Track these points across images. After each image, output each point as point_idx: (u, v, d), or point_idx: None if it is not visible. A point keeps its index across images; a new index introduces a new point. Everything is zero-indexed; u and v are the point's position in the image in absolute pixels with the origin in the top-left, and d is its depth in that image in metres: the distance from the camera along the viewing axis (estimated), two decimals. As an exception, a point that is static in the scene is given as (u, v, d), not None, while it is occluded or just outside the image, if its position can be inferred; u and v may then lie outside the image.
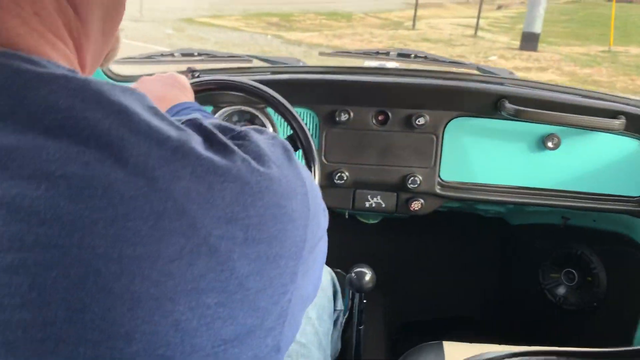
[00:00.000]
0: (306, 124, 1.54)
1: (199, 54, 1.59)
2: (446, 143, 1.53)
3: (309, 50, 11.79)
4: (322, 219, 0.53)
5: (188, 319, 0.39)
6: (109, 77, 1.57)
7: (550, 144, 1.50)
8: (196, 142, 0.42)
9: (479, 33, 13.67)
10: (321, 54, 1.66)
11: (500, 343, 1.18)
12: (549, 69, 9.81)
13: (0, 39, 0.42)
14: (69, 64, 0.47)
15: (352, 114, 1.51)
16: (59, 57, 0.46)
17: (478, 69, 1.62)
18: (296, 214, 0.46)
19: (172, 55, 1.59)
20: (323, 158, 1.56)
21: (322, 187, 1.58)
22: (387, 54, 1.63)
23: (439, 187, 1.56)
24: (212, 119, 0.83)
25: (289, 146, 0.51)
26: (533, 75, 9.34)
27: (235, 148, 0.45)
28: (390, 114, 1.51)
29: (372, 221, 1.97)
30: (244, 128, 0.50)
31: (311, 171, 1.20)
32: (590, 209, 1.56)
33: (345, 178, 1.55)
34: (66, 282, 0.36)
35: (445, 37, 13.56)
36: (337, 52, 1.65)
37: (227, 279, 0.40)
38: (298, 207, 0.47)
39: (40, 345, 0.36)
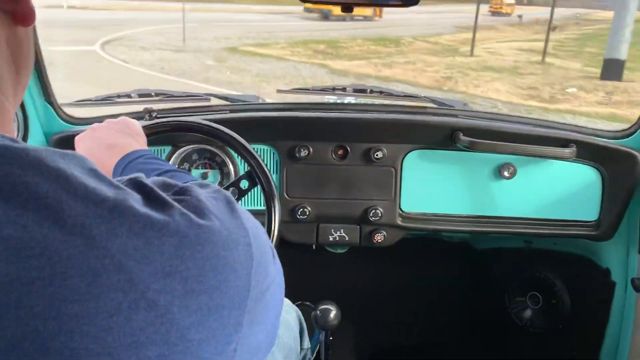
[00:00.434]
0: (266, 161, 1.54)
1: (156, 94, 1.58)
2: (405, 175, 1.55)
3: (356, 82, 10.87)
4: (271, 268, 0.54)
5: None
6: (65, 120, 1.55)
7: (506, 173, 1.53)
8: (134, 200, 0.43)
9: (546, 59, 12.60)
10: (279, 91, 1.68)
11: None
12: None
13: None
14: (6, 119, 0.49)
15: (312, 149, 1.52)
16: (2, 120, 0.48)
17: (433, 101, 1.65)
18: (238, 264, 0.47)
19: (128, 96, 1.58)
20: (285, 194, 1.56)
21: (285, 222, 1.58)
22: (344, 89, 1.65)
23: (400, 218, 1.57)
24: (156, 176, 0.83)
25: (232, 198, 0.52)
26: (627, 113, 7.89)
27: (175, 203, 0.46)
28: (349, 149, 1.53)
29: (340, 251, 1.97)
30: (186, 184, 0.51)
31: (272, 208, 1.20)
32: (550, 235, 1.59)
33: (307, 213, 1.55)
34: (3, 343, 0.36)
35: (509, 65, 12.57)
36: (295, 89, 1.67)
37: (168, 331, 0.41)
38: (240, 257, 0.47)
39: None
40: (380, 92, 1.64)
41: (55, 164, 0.42)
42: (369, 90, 1.64)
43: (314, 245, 1.78)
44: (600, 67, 10.46)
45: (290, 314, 1.38)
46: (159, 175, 0.85)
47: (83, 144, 1.01)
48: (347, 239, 1.60)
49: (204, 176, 1.59)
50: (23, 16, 0.49)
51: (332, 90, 1.66)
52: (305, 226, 1.59)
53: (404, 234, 1.61)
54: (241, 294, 0.47)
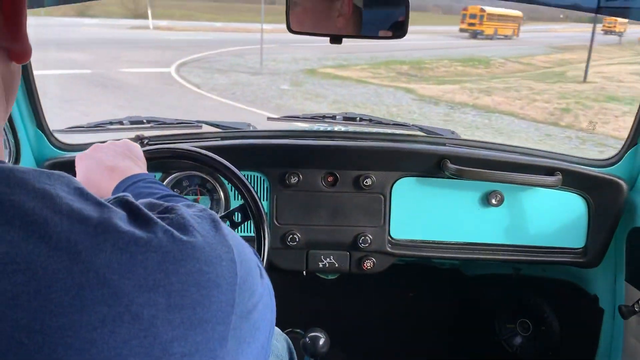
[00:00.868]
0: (256, 187, 1.55)
1: (148, 121, 1.59)
2: (394, 202, 1.56)
3: (451, 113, 9.19)
4: (258, 286, 0.55)
5: None
6: (56, 146, 1.56)
7: (493, 201, 1.55)
8: (118, 218, 0.45)
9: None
10: (269, 119, 1.70)
11: None
12: None
13: None
14: None
15: (301, 176, 1.53)
16: None
17: (421, 129, 1.68)
18: (221, 279, 0.48)
19: (120, 123, 1.60)
20: (275, 220, 1.56)
21: (275, 249, 1.58)
22: (334, 117, 1.67)
23: (389, 245, 1.58)
24: (146, 197, 0.83)
25: (216, 217, 0.54)
26: None
27: (159, 221, 0.47)
28: (339, 176, 1.54)
29: (330, 277, 1.97)
30: (172, 204, 0.53)
31: (261, 234, 1.21)
32: (538, 262, 1.61)
33: (297, 239, 1.56)
34: None
35: (636, 94, 10.78)
36: (285, 117, 1.69)
37: (151, 344, 0.42)
38: (224, 273, 0.49)
39: None
40: (370, 120, 1.67)
41: (41, 185, 0.43)
42: (358, 118, 1.67)
43: (304, 272, 1.78)
44: None
45: (279, 342, 1.37)
46: (158, 199, 0.86)
47: (84, 163, 1.01)
48: (336, 265, 1.60)
49: (194, 202, 1.59)
50: (19, 54, 0.51)
51: (322, 118, 1.69)
52: (295, 252, 1.59)
53: (394, 261, 1.62)
54: (225, 309, 0.48)
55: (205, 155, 1.22)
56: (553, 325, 1.86)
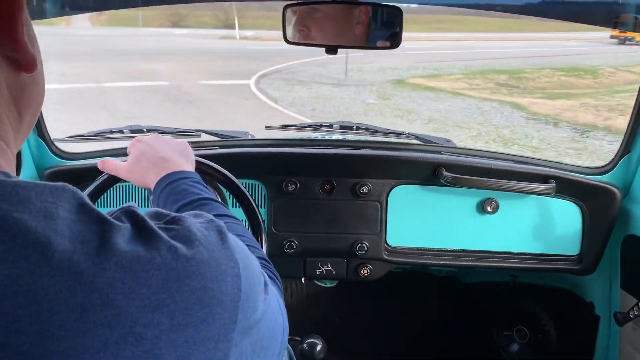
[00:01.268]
0: (254, 195, 1.57)
1: (148, 130, 1.62)
2: (391, 210, 1.58)
3: (578, 137, 7.30)
4: (260, 303, 0.54)
5: None
6: (57, 155, 1.58)
7: (489, 208, 1.57)
8: (121, 235, 0.44)
9: None
10: (267, 127, 1.72)
11: None
12: None
13: None
14: (5, 160, 0.50)
15: (299, 184, 1.55)
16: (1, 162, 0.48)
17: (417, 137, 1.70)
18: (225, 296, 0.47)
19: (121, 131, 1.62)
20: (272, 228, 1.58)
21: (273, 256, 1.59)
22: (331, 126, 1.70)
23: (386, 252, 1.60)
24: (189, 196, 0.84)
25: (224, 228, 0.53)
26: None
27: (164, 235, 0.46)
28: (335, 184, 1.56)
29: (328, 284, 1.98)
30: (179, 215, 0.52)
31: (259, 241, 1.22)
32: (533, 269, 1.62)
33: (295, 247, 1.57)
34: None
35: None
36: (283, 126, 1.71)
37: None
38: (227, 289, 0.48)
39: None
40: (366, 129, 1.69)
41: (43, 203, 0.42)
42: (355, 127, 1.69)
43: (302, 279, 1.79)
44: None
45: None
46: (197, 200, 0.86)
47: (140, 147, 1.00)
48: (334, 272, 1.62)
49: None
50: (25, 63, 0.50)
51: (319, 126, 1.71)
52: (293, 260, 1.60)
53: (391, 268, 1.63)
54: (227, 326, 0.47)
55: (204, 163, 1.24)
56: (550, 333, 1.87)
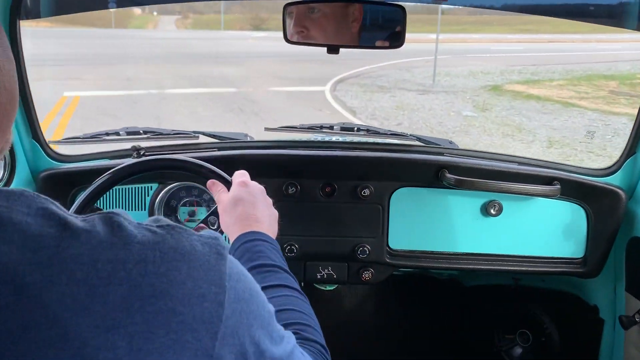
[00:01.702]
0: None
1: (144, 132, 1.59)
2: (393, 213, 1.55)
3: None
4: (247, 338, 0.47)
5: None
6: (52, 158, 1.55)
7: (492, 211, 1.54)
8: (83, 243, 0.40)
9: None
10: (267, 129, 1.69)
11: None
12: None
13: None
14: None
15: (299, 187, 1.52)
16: None
17: (419, 139, 1.67)
18: (197, 323, 0.42)
19: (117, 134, 1.59)
20: None
21: None
22: (331, 127, 1.67)
23: (388, 256, 1.57)
24: (265, 259, 0.81)
25: (224, 250, 0.48)
26: None
27: (136, 247, 0.42)
28: (336, 186, 1.53)
29: (328, 288, 1.96)
30: (178, 225, 0.48)
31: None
32: (537, 273, 1.60)
33: (295, 250, 1.55)
34: None
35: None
36: (282, 127, 1.69)
37: None
38: (203, 315, 0.43)
39: None
40: (367, 130, 1.66)
41: None
42: (356, 129, 1.67)
43: (302, 283, 1.77)
44: None
45: None
46: (270, 266, 0.83)
47: (242, 193, 0.98)
48: (334, 276, 1.59)
49: (192, 213, 1.58)
50: None
51: (320, 128, 1.68)
52: (293, 264, 1.57)
53: (393, 271, 1.61)
54: (201, 359, 0.42)
55: (202, 166, 1.21)
56: (553, 336, 1.85)
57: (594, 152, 6.51)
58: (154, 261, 0.42)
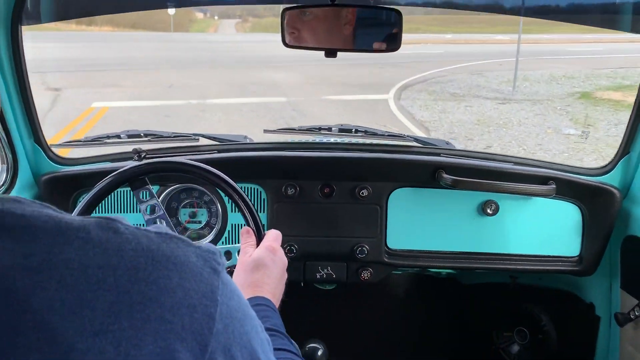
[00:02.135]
0: (253, 200, 1.56)
1: (145, 135, 1.61)
2: (391, 213, 1.57)
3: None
4: (237, 353, 0.47)
5: None
6: (54, 161, 1.57)
7: (489, 210, 1.56)
8: (76, 249, 0.40)
9: None
10: (266, 131, 1.71)
11: None
12: None
13: None
14: None
15: (298, 188, 1.54)
16: None
17: (416, 140, 1.69)
18: (186, 332, 0.42)
19: (118, 137, 1.61)
20: None
21: None
22: (330, 129, 1.69)
23: (386, 255, 1.59)
24: (265, 323, 0.79)
25: (221, 268, 0.48)
26: None
27: (129, 253, 0.42)
28: (335, 187, 1.55)
29: (328, 287, 1.97)
30: (177, 234, 0.48)
31: (259, 236, 1.21)
32: (533, 271, 1.62)
33: (295, 251, 1.57)
34: None
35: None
36: (281, 130, 1.70)
37: None
38: (193, 326, 0.43)
39: None
40: (365, 132, 1.68)
41: None
42: (354, 130, 1.69)
43: (302, 283, 1.78)
44: None
45: None
46: (271, 330, 0.83)
47: (267, 259, 1.00)
48: (334, 276, 1.61)
49: (193, 215, 1.60)
50: None
51: (318, 129, 1.70)
52: (293, 264, 1.59)
53: (391, 271, 1.63)
54: None
55: (203, 168, 1.23)
56: (550, 334, 1.87)
57: None
58: (145, 268, 0.42)
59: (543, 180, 1.53)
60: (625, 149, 1.56)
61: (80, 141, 1.61)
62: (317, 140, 1.73)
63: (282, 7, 1.23)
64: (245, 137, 1.70)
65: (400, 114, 8.20)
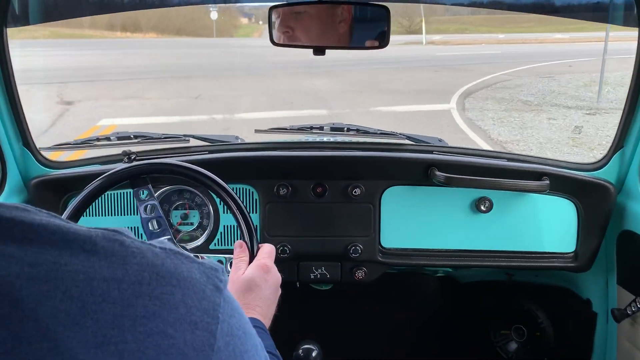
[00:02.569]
0: (245, 200, 1.55)
1: (135, 137, 1.59)
2: (384, 211, 1.56)
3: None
4: None
5: None
6: (43, 164, 1.55)
7: (482, 207, 1.55)
8: (82, 260, 0.41)
9: None
10: (257, 131, 1.70)
11: None
12: None
13: None
14: None
15: (290, 188, 1.53)
16: None
17: (409, 138, 1.68)
18: (189, 349, 0.42)
19: (108, 139, 1.59)
20: (265, 233, 1.56)
21: None
22: (321, 128, 1.67)
23: (380, 254, 1.58)
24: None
25: (221, 283, 0.48)
26: None
27: (133, 267, 0.42)
28: (327, 186, 1.54)
29: (324, 287, 1.96)
30: (181, 250, 0.48)
31: (251, 247, 1.20)
32: (529, 268, 1.61)
33: (288, 251, 1.55)
34: None
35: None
36: (272, 129, 1.69)
37: None
38: (195, 342, 0.43)
39: None
40: (357, 130, 1.67)
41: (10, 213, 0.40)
42: (345, 129, 1.67)
43: (297, 283, 1.77)
44: None
45: None
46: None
47: (259, 279, 0.98)
48: (328, 276, 1.60)
49: (184, 216, 1.59)
50: None
51: (310, 129, 1.69)
52: (286, 265, 1.58)
53: (386, 269, 1.61)
54: None
55: (193, 169, 1.22)
56: (547, 331, 1.86)
57: None
58: (149, 283, 0.42)
59: (537, 176, 1.52)
60: (618, 143, 1.55)
61: (69, 144, 1.59)
62: (309, 139, 1.72)
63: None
64: (237, 138, 1.69)
65: (469, 129, 6.79)
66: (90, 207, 1.29)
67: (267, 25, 1.24)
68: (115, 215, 1.53)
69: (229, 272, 1.09)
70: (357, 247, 1.55)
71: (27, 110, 1.49)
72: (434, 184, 1.52)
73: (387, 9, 1.20)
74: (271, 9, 1.20)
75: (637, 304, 1.45)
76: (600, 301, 1.67)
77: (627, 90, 1.49)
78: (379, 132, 1.68)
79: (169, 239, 1.21)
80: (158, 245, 0.46)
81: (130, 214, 1.53)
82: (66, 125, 7.83)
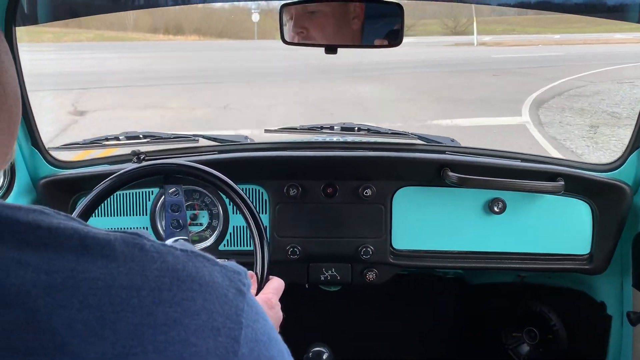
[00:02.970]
0: (255, 201, 1.53)
1: (144, 137, 1.58)
2: (395, 212, 1.54)
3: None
4: None
5: None
6: (52, 164, 1.54)
7: (496, 209, 1.53)
8: (100, 267, 0.39)
9: None
10: (267, 130, 1.68)
11: None
12: None
13: None
14: None
15: (301, 188, 1.51)
16: None
17: (420, 138, 1.66)
18: (212, 356, 0.41)
19: (117, 138, 1.58)
20: (275, 234, 1.54)
21: (276, 262, 1.56)
22: (332, 128, 1.66)
23: (391, 256, 1.56)
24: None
25: (246, 289, 0.46)
26: None
27: (154, 272, 0.41)
28: (338, 187, 1.52)
29: (333, 289, 1.95)
30: (202, 252, 0.46)
31: (262, 249, 1.18)
32: (542, 270, 1.58)
33: (298, 252, 1.54)
34: None
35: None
36: (282, 129, 1.68)
37: None
38: (218, 349, 0.41)
39: None
40: (368, 130, 1.65)
41: (17, 227, 0.38)
42: (356, 129, 1.65)
43: (306, 285, 1.76)
44: None
45: None
46: None
47: (270, 311, 0.97)
48: (338, 277, 1.58)
49: (194, 217, 1.57)
50: None
51: (320, 129, 1.67)
52: (296, 266, 1.56)
53: (397, 271, 1.59)
54: None
55: (202, 170, 1.20)
56: (560, 333, 1.83)
57: None
58: (169, 289, 0.41)
59: (551, 176, 1.50)
60: (635, 143, 1.53)
61: (78, 144, 1.58)
62: (319, 139, 1.70)
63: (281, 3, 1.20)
64: (246, 137, 1.68)
65: (555, 151, 5.49)
66: (99, 207, 1.28)
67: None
68: (124, 215, 1.52)
69: None
70: (368, 249, 1.53)
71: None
72: (447, 185, 1.49)
73: (400, 6, 1.18)
74: (283, 7, 1.18)
75: None
76: (615, 304, 1.64)
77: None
78: (390, 131, 1.66)
79: (184, 239, 1.20)
80: (179, 247, 0.45)
81: (140, 215, 1.52)
82: (72, 138, 7.09)
